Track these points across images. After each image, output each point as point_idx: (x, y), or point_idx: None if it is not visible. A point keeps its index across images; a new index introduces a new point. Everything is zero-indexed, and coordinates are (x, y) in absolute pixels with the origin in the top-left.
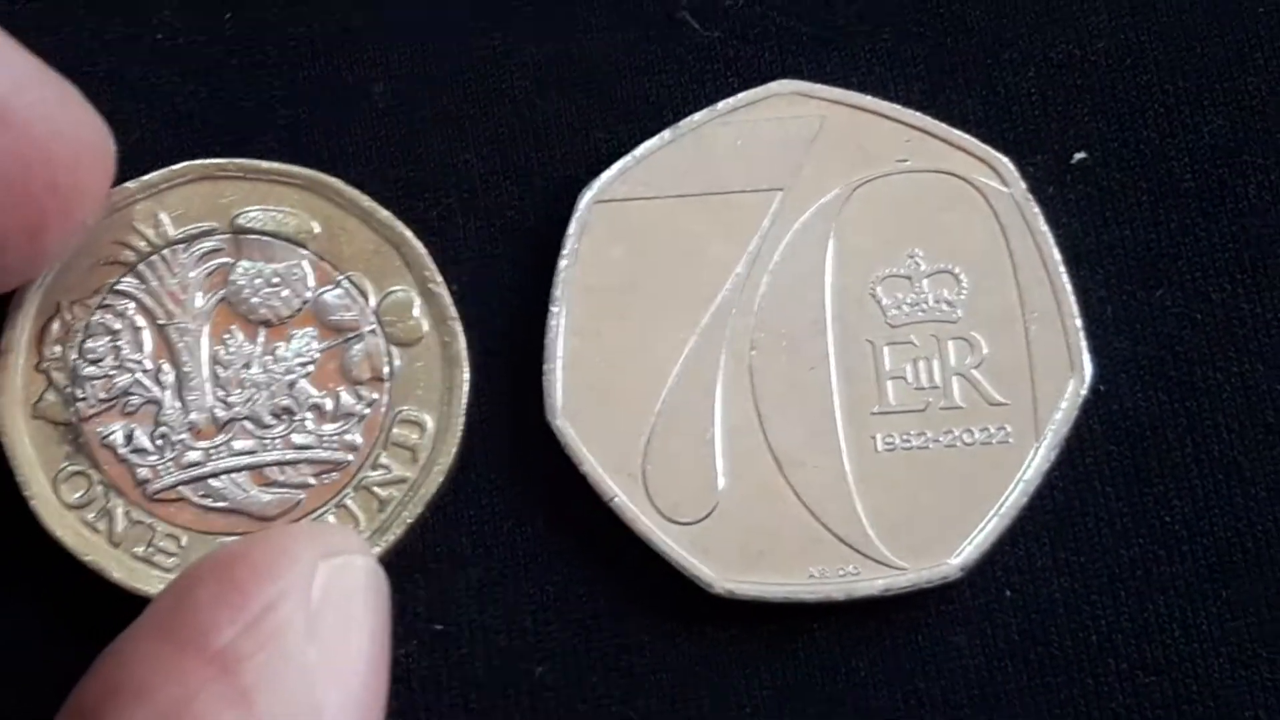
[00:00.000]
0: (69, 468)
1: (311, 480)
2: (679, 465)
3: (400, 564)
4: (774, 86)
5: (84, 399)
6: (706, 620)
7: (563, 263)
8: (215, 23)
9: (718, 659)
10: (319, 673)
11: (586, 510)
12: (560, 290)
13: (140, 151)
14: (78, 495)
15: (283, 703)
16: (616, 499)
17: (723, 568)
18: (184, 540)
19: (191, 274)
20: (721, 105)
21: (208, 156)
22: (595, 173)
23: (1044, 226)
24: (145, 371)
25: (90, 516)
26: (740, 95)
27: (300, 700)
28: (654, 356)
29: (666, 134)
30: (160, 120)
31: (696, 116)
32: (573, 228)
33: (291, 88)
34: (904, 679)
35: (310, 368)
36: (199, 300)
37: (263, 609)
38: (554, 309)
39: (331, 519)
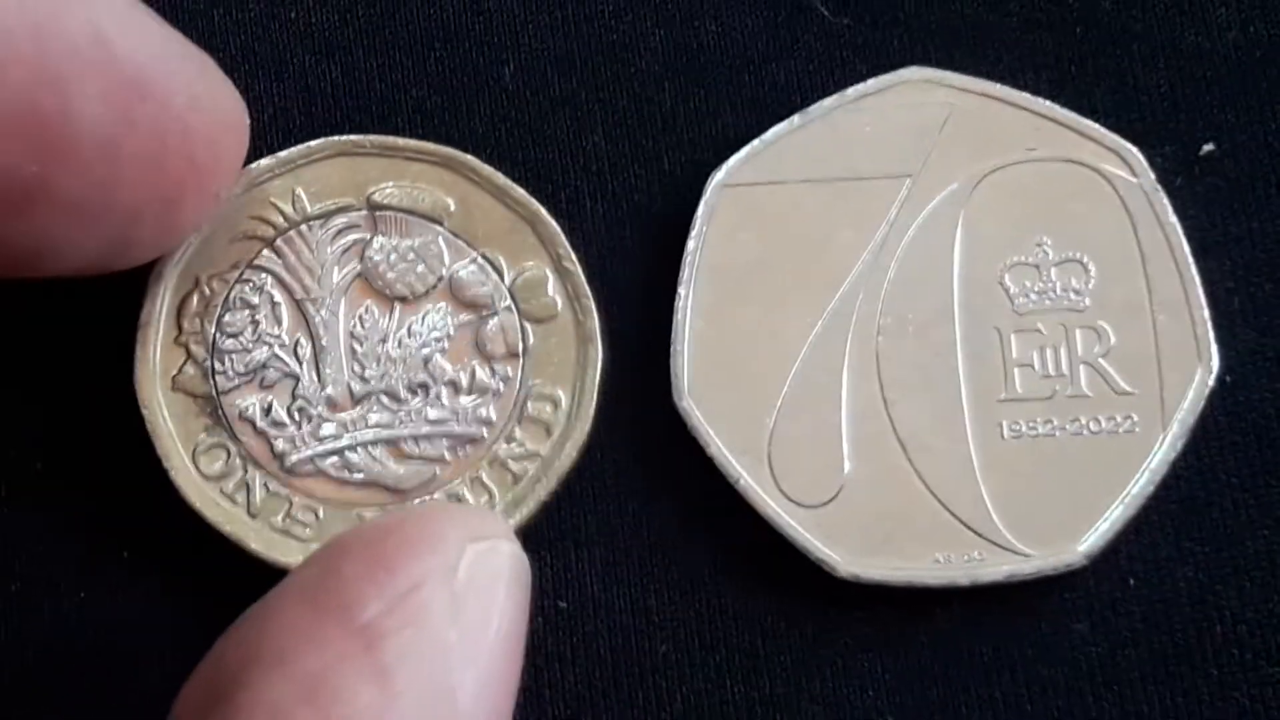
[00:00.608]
0: (208, 440)
1: (447, 454)
2: (805, 448)
3: (527, 540)
4: (904, 73)
5: (222, 372)
6: (830, 603)
7: (690, 245)
8: (348, 2)
9: (841, 642)
10: (457, 655)
11: (712, 491)
12: (688, 273)
13: (273, 129)
14: (217, 467)
15: (420, 682)
16: (742, 481)
17: (847, 551)
18: (321, 512)
19: (328, 249)
20: (851, 91)
21: (336, 134)
22: (723, 157)
23: (1172, 217)
24: (283, 346)
25: (229, 488)
26: (870, 82)
27: (437, 681)
28: (780, 340)
29: (796, 119)
30: (292, 99)
31: (826, 102)
32: (701, 211)
33: (422, 68)
34: (1026, 666)
35: (445, 343)
36: (335, 275)
37: (409, 587)
38: (681, 291)
39: (466, 493)
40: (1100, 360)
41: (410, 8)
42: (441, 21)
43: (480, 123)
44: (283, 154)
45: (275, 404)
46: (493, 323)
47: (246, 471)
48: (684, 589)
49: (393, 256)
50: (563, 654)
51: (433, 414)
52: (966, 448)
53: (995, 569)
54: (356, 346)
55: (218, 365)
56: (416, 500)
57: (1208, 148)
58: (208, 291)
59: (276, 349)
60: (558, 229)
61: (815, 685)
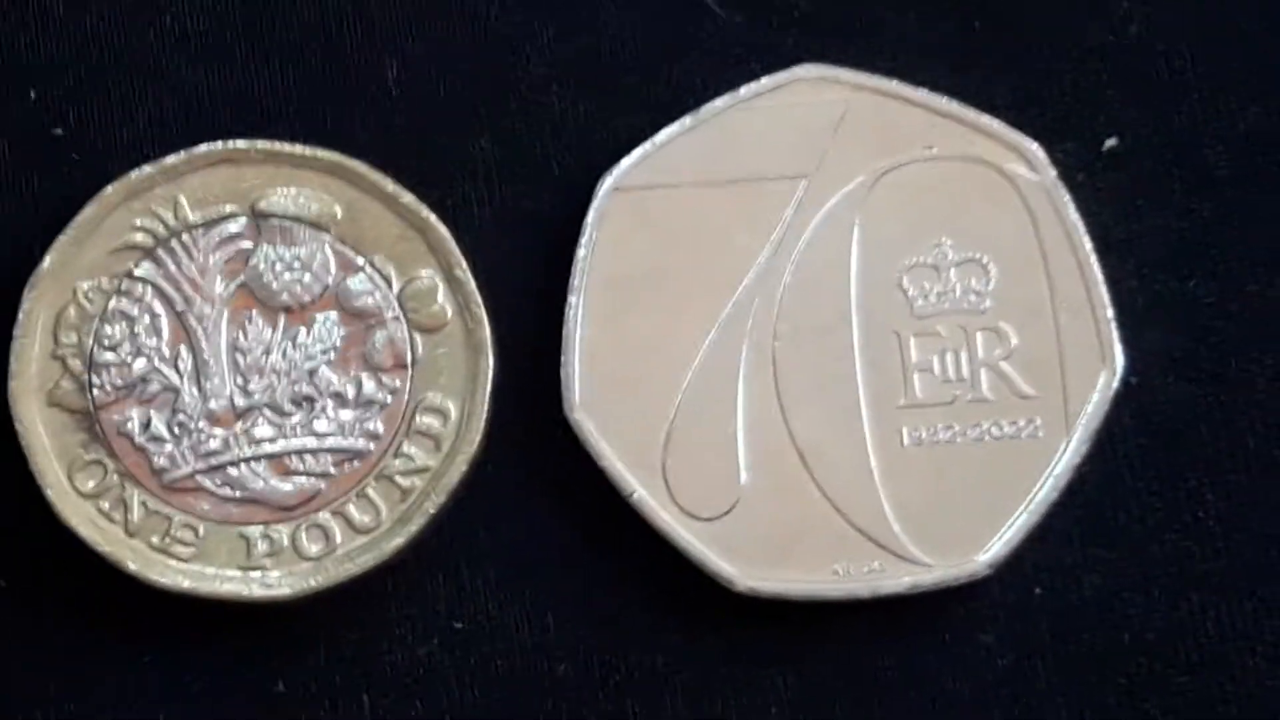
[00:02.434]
0: (85, 456)
1: (332, 469)
2: (700, 459)
3: (419, 559)
4: (798, 71)
5: (100, 386)
6: (729, 618)
7: (581, 252)
8: (225, 6)
9: (741, 657)
10: None
11: (607, 505)
12: (578, 280)
13: (151, 136)
14: (93, 484)
15: None
16: (636, 494)
17: (745, 565)
18: (201, 530)
19: (211, 259)
20: (744, 91)
21: (222, 140)
22: (614, 160)
23: (1074, 215)
24: (163, 358)
25: (106, 506)
26: (763, 80)
27: None
28: (675, 348)
29: (687, 120)
30: (170, 105)
31: (718, 102)
32: (591, 216)
33: (303, 72)
34: (932, 679)
35: (332, 354)
36: (218, 286)
37: None
38: (571, 299)
39: (352, 509)
40: (1002, 363)
41: (289, 10)
42: (322, 24)
43: (364, 128)
44: (165, 160)
45: (155, 419)
46: (380, 333)
47: (125, 489)
48: (582, 606)
49: (278, 266)
50: (459, 676)
51: (318, 428)
52: (866, 456)
53: (897, 580)
54: (240, 359)
55: (95, 379)
56: (301, 517)
57: (1110, 143)
58: (85, 303)
59: (156, 362)
60: (448, 236)
61: (718, 704)
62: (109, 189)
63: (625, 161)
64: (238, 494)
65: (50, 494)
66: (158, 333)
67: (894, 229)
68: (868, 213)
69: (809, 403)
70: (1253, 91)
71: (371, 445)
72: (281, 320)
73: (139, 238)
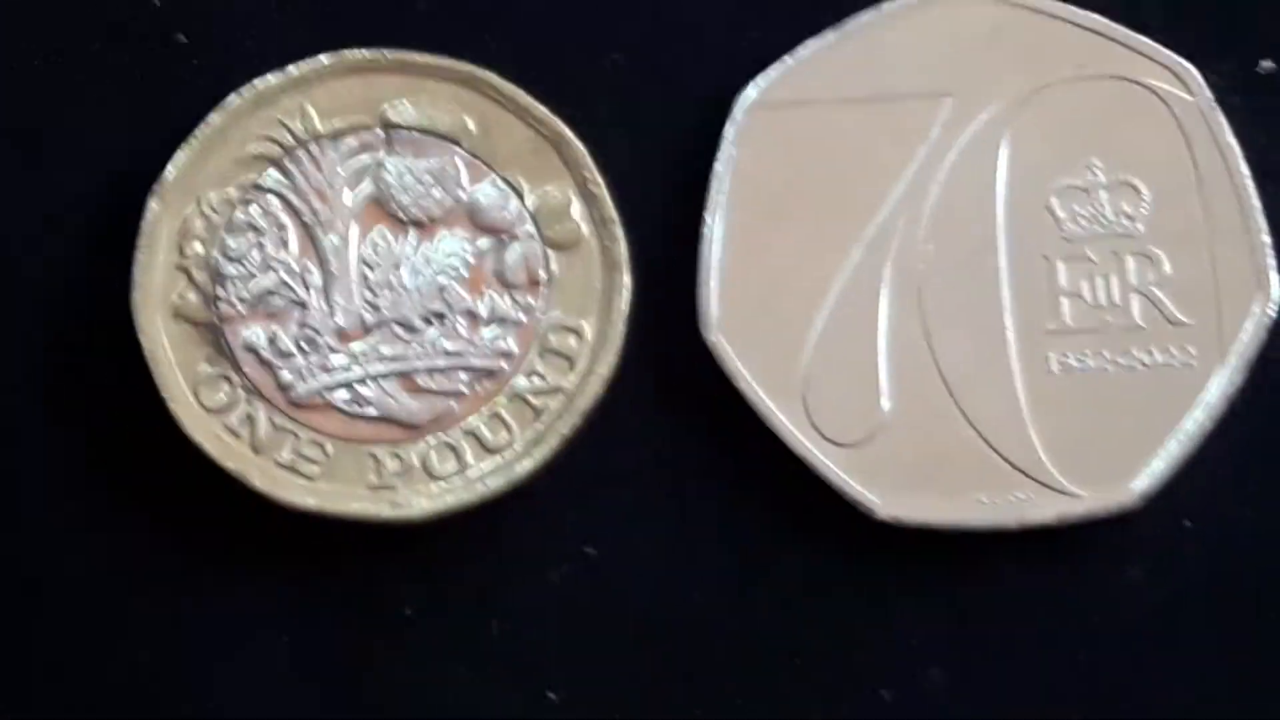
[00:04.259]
0: (210, 371)
1: (463, 388)
2: (841, 384)
3: (551, 482)
4: None
5: (225, 299)
6: (871, 547)
7: (718, 169)
8: None
9: (883, 587)
10: None
11: (745, 430)
12: (715, 199)
13: (276, 45)
14: (218, 399)
15: None
16: (775, 418)
17: (887, 493)
18: (329, 448)
19: (339, 170)
20: (888, 5)
21: (346, 48)
22: (752, 75)
23: (1230, 139)
24: (290, 271)
25: (232, 422)
26: None
27: None
28: (816, 269)
29: (830, 34)
30: (297, 14)
31: (863, 16)
32: (729, 133)
33: None
34: (1079, 612)
35: (463, 270)
36: (346, 198)
37: None
38: (709, 218)
39: (484, 428)
40: (1153, 290)
41: None
42: None
43: (495, 40)
44: (291, 69)
45: (281, 333)
46: (513, 249)
47: (250, 404)
48: (716, 533)
49: (407, 178)
50: (591, 603)
51: (449, 345)
52: (1012, 382)
53: (1043, 510)
54: (368, 273)
55: (220, 292)
56: (430, 436)
57: (1267, 65)
58: (210, 214)
59: (283, 275)
60: (583, 150)
61: (856, 633)
62: (234, 97)
63: (764, 77)
64: (367, 412)
65: (175, 408)
66: (284, 245)
67: (1043, 149)
68: (1016, 132)
69: (954, 327)
70: None
71: (504, 364)
72: (411, 234)
73: (265, 148)
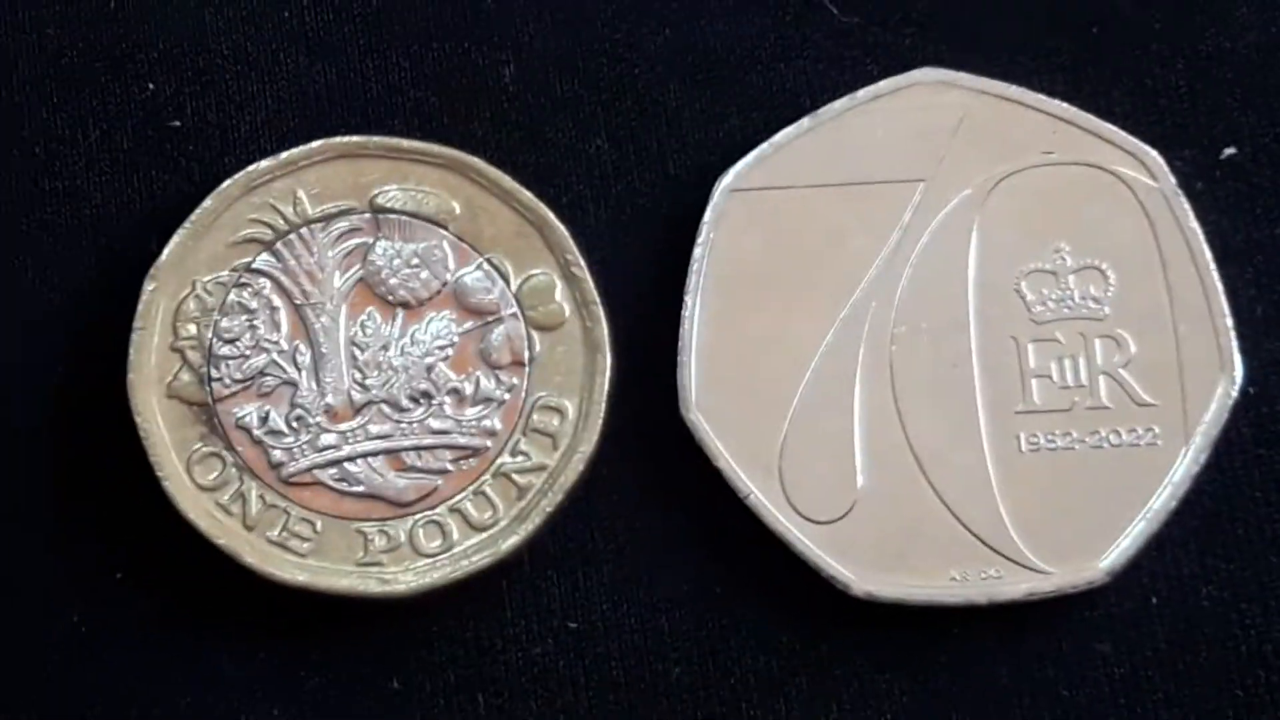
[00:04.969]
0: (203, 449)
1: (449, 466)
2: (817, 462)
3: (535, 558)
4: (916, 75)
5: (219, 379)
6: (846, 622)
7: (697, 252)
8: (342, 1)
9: (857, 663)
10: None
11: (722, 506)
12: (695, 280)
13: (269, 131)
14: (212, 477)
15: None
16: (752, 496)
17: (862, 569)
18: (319, 525)
19: (329, 253)
20: (862, 93)
21: (335, 136)
22: (730, 161)
23: (1193, 223)
24: (281, 352)
25: (224, 499)
26: (882, 83)
27: None
28: (791, 349)
29: (805, 122)
30: (288, 101)
31: (836, 104)
32: (708, 216)
33: (420, 69)
34: (1047, 687)
35: (449, 351)
36: (337, 280)
37: None
38: (688, 299)
39: (469, 506)
40: (1120, 370)
41: (407, 8)
42: (440, 21)
43: (481, 125)
44: (283, 155)
45: (273, 412)
46: (498, 330)
47: (242, 482)
48: (696, 609)
49: (396, 261)
50: (574, 677)
51: (435, 424)
52: (983, 461)
53: (1014, 587)
54: (357, 354)
55: (214, 372)
56: (418, 513)
57: (1229, 151)
58: (204, 295)
59: (275, 355)
60: (566, 233)
61: (832, 708)
62: (228, 182)
63: (742, 162)
64: (355, 489)
65: (169, 486)
66: (276, 326)
67: (1012, 234)
68: (986, 217)
69: (926, 407)
70: None
71: (489, 442)
72: (399, 316)
73: (258, 231)
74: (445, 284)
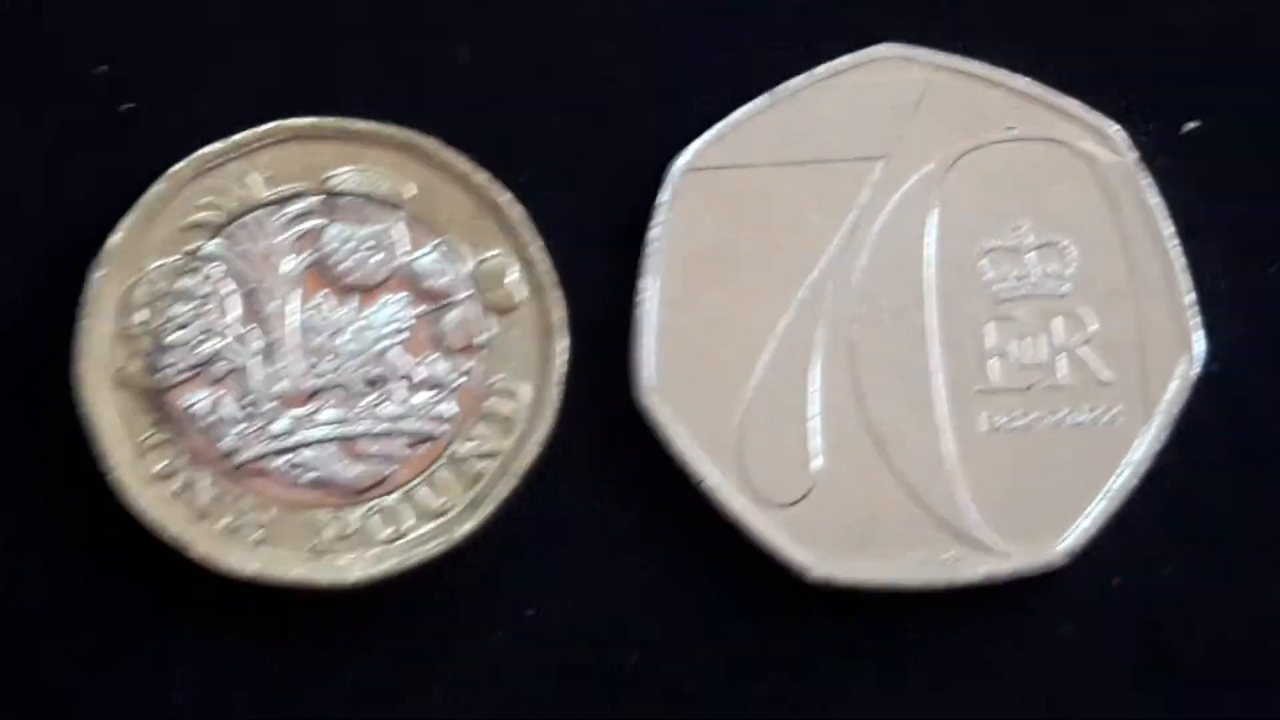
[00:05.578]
0: (153, 438)
1: (403, 452)
2: (774, 444)
3: (491, 544)
4: (876, 50)
5: (169, 366)
6: (804, 607)
7: (654, 233)
8: None
9: (816, 647)
10: None
11: (680, 490)
12: (651, 261)
13: (221, 113)
14: (162, 466)
15: None
16: (708, 480)
17: (819, 553)
18: (270, 514)
19: (281, 237)
20: (821, 70)
21: (289, 118)
22: (689, 139)
23: (1155, 198)
24: (232, 338)
25: (175, 488)
26: (841, 59)
27: None
28: (749, 330)
29: (763, 99)
30: (241, 83)
31: (795, 81)
32: (665, 196)
33: (374, 50)
34: (1009, 670)
35: (403, 335)
36: (289, 264)
37: None
38: (644, 281)
39: (423, 493)
40: (1080, 349)
41: None
42: (395, 1)
43: (435, 106)
44: (235, 137)
45: (224, 399)
46: (453, 314)
47: (193, 471)
48: (653, 595)
49: (349, 245)
50: (531, 665)
51: (389, 410)
52: (942, 442)
53: (973, 569)
54: (310, 339)
55: (164, 359)
56: (371, 501)
57: (1191, 125)
58: (154, 282)
59: (226, 341)
60: (523, 215)
61: (791, 694)
62: (178, 165)
63: (700, 141)
64: (307, 477)
65: (118, 475)
66: (227, 312)
67: (972, 211)
68: (946, 194)
69: (885, 387)
70: None
71: (443, 428)
72: (353, 300)
73: (208, 215)
74: (399, 267)
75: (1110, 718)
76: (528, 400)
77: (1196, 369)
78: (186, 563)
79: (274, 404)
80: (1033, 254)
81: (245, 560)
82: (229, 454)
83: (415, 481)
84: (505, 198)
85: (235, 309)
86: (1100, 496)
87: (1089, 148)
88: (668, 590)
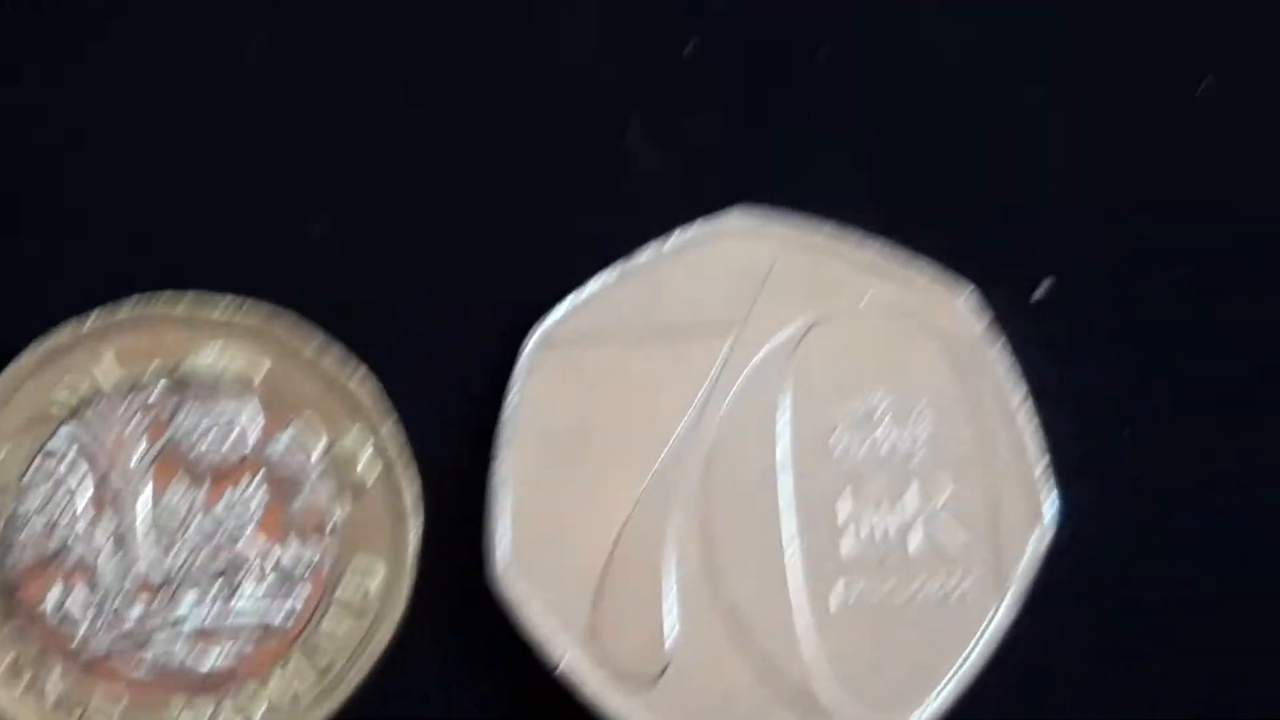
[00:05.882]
0: (2, 632)
1: (255, 641)
2: (629, 625)
3: None
4: (724, 222)
5: (16, 557)
6: None
7: (507, 409)
8: (142, 160)
9: None
10: None
11: (537, 674)
12: (505, 437)
13: (71, 292)
14: (9, 659)
15: None
16: (564, 662)
17: None
18: (120, 708)
19: (131, 424)
20: (669, 244)
21: (142, 300)
22: (542, 314)
23: (1007, 365)
24: (81, 530)
25: (23, 684)
26: (689, 231)
27: None
28: (604, 508)
29: (613, 272)
30: (88, 259)
31: (644, 254)
32: (518, 370)
33: (227, 225)
34: None
35: (255, 518)
36: (139, 450)
37: None
38: (498, 458)
39: (275, 683)
40: (933, 520)
41: (206, 165)
42: (244, 178)
43: (290, 281)
44: (83, 324)
45: (73, 591)
46: (304, 497)
47: (42, 663)
48: None
49: (199, 430)
50: None
51: (240, 599)
52: (797, 617)
53: None
54: (161, 527)
55: (11, 550)
56: (224, 694)
57: (1045, 284)
58: (1, 471)
59: (75, 532)
60: (375, 394)
61: None
62: (24, 355)
63: (551, 316)
64: (158, 669)
65: None
66: (78, 501)
67: (824, 382)
68: (797, 366)
69: (739, 564)
70: (1187, 238)
71: (295, 616)
72: (204, 486)
73: (56, 404)
74: (251, 450)
75: None
76: (380, 582)
77: (1048, 540)
78: None
79: (125, 595)
80: (885, 424)
81: None
82: (79, 647)
83: (267, 670)
84: (356, 378)
85: (86, 499)
86: (955, 670)
87: (938, 317)
88: None
